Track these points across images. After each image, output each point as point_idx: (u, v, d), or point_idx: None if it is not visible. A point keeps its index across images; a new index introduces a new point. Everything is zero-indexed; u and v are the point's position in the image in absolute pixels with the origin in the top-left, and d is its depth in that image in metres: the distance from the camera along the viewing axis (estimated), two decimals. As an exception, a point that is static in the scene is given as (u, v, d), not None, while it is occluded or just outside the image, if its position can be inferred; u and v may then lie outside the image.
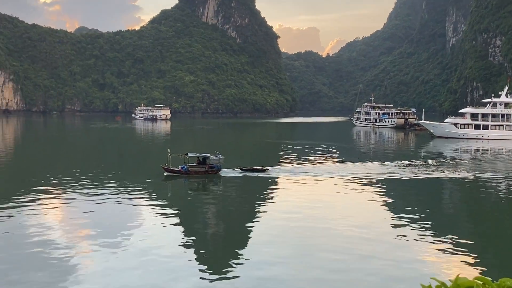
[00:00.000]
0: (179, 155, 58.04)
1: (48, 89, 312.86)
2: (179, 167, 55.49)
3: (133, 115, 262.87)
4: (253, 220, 36.73)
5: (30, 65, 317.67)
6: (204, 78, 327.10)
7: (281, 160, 73.15)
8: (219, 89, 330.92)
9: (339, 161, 73.23)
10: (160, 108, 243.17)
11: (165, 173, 54.65)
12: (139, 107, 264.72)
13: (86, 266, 25.52)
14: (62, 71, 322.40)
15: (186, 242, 30.43)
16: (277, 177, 55.75)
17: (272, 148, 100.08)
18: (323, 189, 50.41)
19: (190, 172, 54.73)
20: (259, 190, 48.76)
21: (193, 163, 56.91)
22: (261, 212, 39.13)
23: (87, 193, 44.88)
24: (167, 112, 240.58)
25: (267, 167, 59.65)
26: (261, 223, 35.68)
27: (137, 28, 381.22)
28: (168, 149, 59.04)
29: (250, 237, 31.99)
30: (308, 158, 75.68)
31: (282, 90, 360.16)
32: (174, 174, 54.41)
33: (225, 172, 56.86)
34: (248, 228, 34.47)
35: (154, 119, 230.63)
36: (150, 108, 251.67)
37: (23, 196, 43.51)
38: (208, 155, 56.45)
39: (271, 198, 45.10)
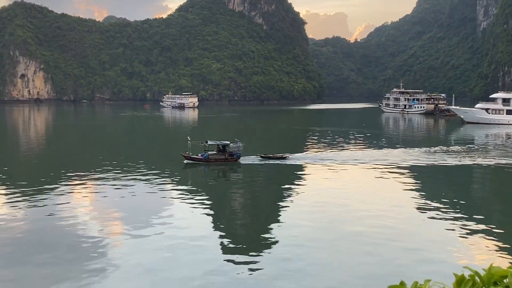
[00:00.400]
0: (199, 143, 58.05)
1: (78, 78, 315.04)
2: (199, 154, 55.57)
3: (161, 103, 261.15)
4: (277, 205, 36.59)
5: (60, 54, 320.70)
6: (231, 66, 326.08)
7: (307, 147, 72.45)
8: (246, 76, 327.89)
9: (367, 148, 72.10)
10: (187, 96, 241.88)
11: (185, 161, 54.87)
12: (166, 95, 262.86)
13: (116, 251, 25.98)
14: (91, 60, 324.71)
15: (212, 227, 30.60)
16: (301, 164, 55.32)
17: (298, 135, 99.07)
18: (350, 176, 49.70)
19: (210, 159, 54.84)
20: (281, 177, 48.28)
21: (213, 150, 56.83)
22: (284, 198, 38.88)
23: (113, 180, 45.66)
24: (194, 100, 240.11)
25: (287, 154, 59.11)
26: (285, 209, 35.48)
27: (164, 16, 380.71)
28: (188, 137, 59.26)
29: (274, 222, 31.93)
30: (335, 145, 74.93)
31: (309, 77, 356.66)
32: (194, 162, 54.67)
33: (245, 160, 56.76)
34: (273, 213, 34.44)
35: (181, 107, 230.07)
36: (177, 96, 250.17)
37: (53, 183, 44.50)
38: (228, 142, 56.28)
39: (295, 185, 44.48)
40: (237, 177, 50.01)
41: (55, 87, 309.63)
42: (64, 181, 45.12)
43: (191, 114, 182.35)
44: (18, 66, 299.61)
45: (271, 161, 56.10)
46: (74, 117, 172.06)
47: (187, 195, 39.61)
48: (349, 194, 40.22)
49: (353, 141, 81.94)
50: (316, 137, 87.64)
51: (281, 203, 37.05)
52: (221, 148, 55.74)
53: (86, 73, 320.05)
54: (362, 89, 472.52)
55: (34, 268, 23.13)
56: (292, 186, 43.54)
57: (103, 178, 46.52)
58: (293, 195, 39.82)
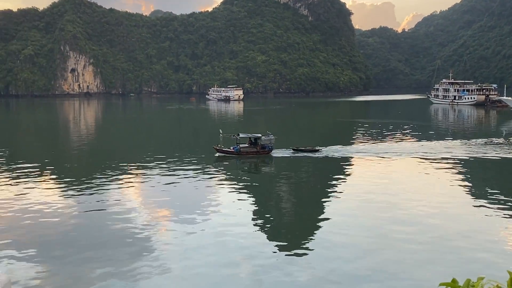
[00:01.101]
0: (230, 136, 57.74)
1: (126, 72, 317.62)
2: (231, 147, 55.16)
3: (206, 96, 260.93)
4: (315, 200, 35.93)
5: (108, 49, 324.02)
6: (276, 58, 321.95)
7: (348, 139, 71.26)
8: (291, 68, 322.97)
9: (414, 141, 70.02)
10: (232, 89, 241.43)
11: (217, 154, 54.56)
12: (212, 88, 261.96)
13: (163, 244, 26.16)
14: (138, 54, 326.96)
15: (254, 222, 30.39)
16: (340, 157, 54.11)
17: (341, 128, 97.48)
18: (395, 169, 48.09)
19: (241, 152, 54.37)
20: (317, 170, 47.51)
21: (245, 143, 56.51)
22: (321, 193, 38.03)
23: (154, 172, 46.10)
24: (239, 93, 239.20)
25: (320, 147, 58.03)
26: (324, 204, 34.67)
27: (210, 9, 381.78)
28: (220, 130, 58.80)
29: (316, 217, 31.33)
30: (381, 138, 73.28)
31: (355, 68, 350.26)
32: (226, 155, 54.26)
33: (278, 153, 56.09)
34: (313, 209, 33.77)
35: (227, 99, 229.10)
36: (223, 89, 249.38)
37: (101, 175, 45.12)
38: (260, 135, 55.67)
39: (334, 179, 43.37)
40: (269, 170, 49.44)
41: (104, 81, 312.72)
42: (110, 173, 45.77)
43: (236, 107, 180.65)
44: (68, 60, 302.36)
45: (304, 154, 55.31)
46: (122, 111, 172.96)
47: (223, 187, 39.75)
48: (394, 189, 38.75)
49: (401, 134, 79.97)
50: (360, 129, 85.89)
51: (318, 198, 36.34)
52: (253, 141, 55.38)
53: (134, 67, 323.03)
54: (410, 80, 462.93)
55: (88, 263, 23.30)
56: (331, 181, 42.46)
57: (145, 170, 46.99)
58: (333, 190, 38.74)
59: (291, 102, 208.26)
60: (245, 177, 45.17)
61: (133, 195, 37.17)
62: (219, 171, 46.77)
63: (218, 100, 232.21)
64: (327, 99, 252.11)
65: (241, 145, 55.23)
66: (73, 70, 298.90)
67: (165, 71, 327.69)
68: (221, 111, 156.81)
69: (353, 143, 65.75)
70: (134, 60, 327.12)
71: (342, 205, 33.63)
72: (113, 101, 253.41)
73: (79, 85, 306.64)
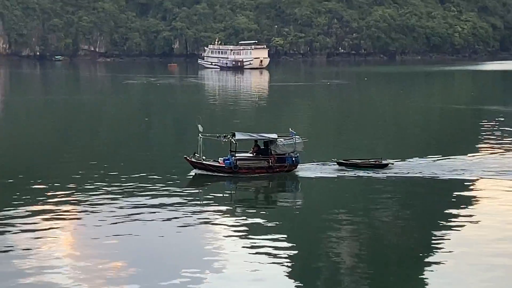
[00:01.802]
0: (219, 137, 39.02)
1: (49, 17, 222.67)
2: (220, 159, 38.15)
3: (199, 60, 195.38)
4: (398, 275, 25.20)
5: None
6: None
7: (467, 144, 55.07)
8: (359, 9, 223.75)
9: None
10: (249, 47, 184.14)
11: (193, 172, 38.00)
12: (210, 46, 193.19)
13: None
14: None
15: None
16: (430, 179, 37.98)
17: (452, 121, 77.52)
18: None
19: (239, 169, 37.78)
20: (386, 209, 33.38)
21: (246, 151, 39.42)
22: (409, 259, 26.80)
23: (85, 207, 33.50)
24: (262, 54, 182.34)
25: (390, 160, 40.73)
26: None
27: None
28: (199, 124, 38.77)
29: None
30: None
31: (484, 10, 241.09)
32: (210, 173, 38.11)
33: (309, 169, 39.68)
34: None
35: (238, 67, 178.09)
36: (231, 47, 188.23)
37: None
38: (274, 136, 38.32)
39: (429, 233, 29.61)
40: (292, 205, 35.11)
41: (8, 34, 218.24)
42: (17, 201, 34.50)
43: (256, 81, 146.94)
44: None
45: (358, 172, 39.66)
46: (40, 87, 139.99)
47: (203, 244, 28.12)
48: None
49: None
50: (487, 125, 67.16)
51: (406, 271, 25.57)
52: (263, 147, 38.85)
53: (63, 7, 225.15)
54: None
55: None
56: (425, 235, 29.60)
57: (74, 204, 34.66)
58: (431, 255, 26.26)
59: (360, 73, 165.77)
60: (244, 226, 30.81)
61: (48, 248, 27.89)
62: (191, 209, 32.81)
63: (222, 67, 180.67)
64: (429, 66, 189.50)
65: (239, 155, 38.53)
66: None
67: (122, 14, 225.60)
68: (227, 91, 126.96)
69: (466, 152, 48.14)
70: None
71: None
72: (23, 69, 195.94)
73: None
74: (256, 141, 38.89)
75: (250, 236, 28.08)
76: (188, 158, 37.60)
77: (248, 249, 26.45)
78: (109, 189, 35.39)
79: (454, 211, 31.10)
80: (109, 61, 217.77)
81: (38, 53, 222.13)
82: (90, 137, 64.38)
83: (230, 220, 30.59)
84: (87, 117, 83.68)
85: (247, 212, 32.83)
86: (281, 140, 37.67)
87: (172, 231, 28.93)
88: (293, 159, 37.99)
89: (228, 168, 37.59)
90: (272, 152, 37.86)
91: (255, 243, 27.15)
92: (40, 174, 40.49)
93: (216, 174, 37.81)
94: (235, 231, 28.84)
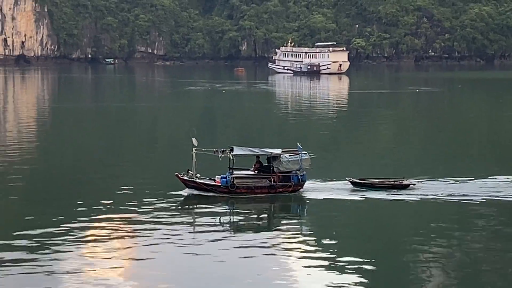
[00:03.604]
0: (216, 152, 37.60)
1: (101, 16, 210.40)
2: (217, 177, 37.08)
3: (269, 64, 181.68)
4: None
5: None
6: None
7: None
8: (453, 7, 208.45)
9: None
10: (326, 50, 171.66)
11: (185, 191, 37.04)
12: (282, 48, 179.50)
13: None
14: None
15: None
16: (463, 203, 35.36)
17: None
18: None
19: (237, 189, 36.72)
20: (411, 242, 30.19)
21: (247, 168, 38.59)
22: None
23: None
24: (341, 58, 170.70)
25: (413, 180, 37.93)
26: None
27: None
28: (193, 138, 37.51)
29: None
30: None
31: None
32: (204, 193, 37.11)
33: (317, 189, 38.43)
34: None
35: (313, 72, 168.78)
36: (305, 50, 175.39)
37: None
38: (278, 151, 37.75)
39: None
40: (300, 234, 31.86)
41: (57, 34, 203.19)
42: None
43: (334, 89, 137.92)
44: None
45: (375, 194, 37.51)
46: (91, 94, 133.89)
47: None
48: None
49: None
50: None
51: None
52: (265, 164, 38.23)
53: (118, 6, 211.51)
54: None
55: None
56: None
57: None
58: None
59: (452, 79, 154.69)
60: (237, 255, 28.92)
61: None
62: (181, 234, 31.04)
63: (295, 72, 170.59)
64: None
65: (237, 173, 37.57)
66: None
67: (184, 12, 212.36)
68: (301, 99, 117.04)
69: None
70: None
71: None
72: (73, 73, 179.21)
73: (4, 40, 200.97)
74: (258, 156, 37.92)
75: (245, 268, 27.37)
76: (180, 175, 36.73)
77: (242, 280, 26.01)
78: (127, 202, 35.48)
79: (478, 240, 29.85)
80: (168, 64, 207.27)
81: (89, 56, 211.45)
82: (142, 150, 60.89)
83: (221, 251, 28.78)
84: (142, 127, 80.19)
85: (241, 240, 31.10)
86: (285, 156, 36.97)
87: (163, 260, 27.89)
88: (300, 177, 36.77)
89: (224, 187, 36.38)
90: (275, 169, 36.93)
91: (251, 275, 26.81)
92: (83, 188, 39.87)
93: (211, 194, 36.77)
94: (225, 261, 27.62)
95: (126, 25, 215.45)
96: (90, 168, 48.81)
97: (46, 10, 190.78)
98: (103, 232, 30.83)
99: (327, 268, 26.06)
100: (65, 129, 76.59)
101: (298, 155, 36.07)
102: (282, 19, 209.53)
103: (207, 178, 36.14)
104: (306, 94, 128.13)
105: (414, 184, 36.42)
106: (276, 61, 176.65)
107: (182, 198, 36.24)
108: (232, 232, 32.16)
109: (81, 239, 29.32)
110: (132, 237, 29.85)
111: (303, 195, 36.84)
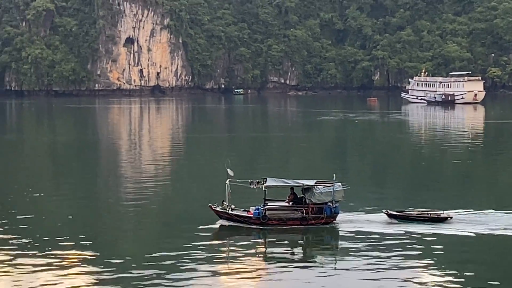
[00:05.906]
0: (251, 183, 36.35)
1: (235, 46, 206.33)
2: (252, 208, 36.06)
3: (402, 93, 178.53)
4: None
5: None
6: None
7: None
8: None
9: None
10: (461, 79, 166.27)
11: (220, 222, 36.02)
12: (416, 78, 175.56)
13: None
14: (260, 10, 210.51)
15: None
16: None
17: None
18: None
19: (269, 221, 35.62)
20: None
21: (281, 200, 37.40)
22: None
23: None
24: (476, 87, 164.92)
25: (451, 213, 36.99)
26: None
27: None
28: (228, 168, 36.51)
29: None
30: None
31: None
32: (237, 224, 35.90)
33: (351, 221, 37.07)
34: None
35: (448, 101, 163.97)
36: (440, 79, 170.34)
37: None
38: (311, 183, 36.08)
39: None
40: (332, 268, 30.60)
41: (191, 65, 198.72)
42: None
43: (469, 118, 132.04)
44: (120, 20, 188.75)
45: (411, 227, 35.84)
46: (224, 123, 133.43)
47: None
48: None
49: None
50: None
51: None
52: (297, 195, 36.96)
53: (250, 37, 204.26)
54: None
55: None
56: None
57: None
58: None
59: None
60: None
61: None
62: (213, 268, 29.45)
63: (429, 102, 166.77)
64: None
65: (270, 204, 36.36)
66: (130, 41, 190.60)
67: (316, 42, 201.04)
68: (435, 129, 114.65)
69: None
70: (250, 20, 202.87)
71: None
72: (206, 104, 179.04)
73: (141, 71, 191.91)
74: (292, 188, 36.54)
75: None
76: (213, 206, 35.54)
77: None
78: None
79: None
80: (301, 94, 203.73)
81: (222, 86, 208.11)
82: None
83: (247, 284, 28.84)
84: (271, 155, 78.09)
85: (268, 273, 30.41)
86: (318, 188, 35.66)
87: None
88: (333, 208, 35.62)
89: (256, 218, 35.42)
90: (308, 201, 35.72)
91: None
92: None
93: (243, 225, 35.69)
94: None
95: (259, 56, 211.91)
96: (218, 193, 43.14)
97: (181, 41, 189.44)
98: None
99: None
100: (199, 158, 74.53)
101: (331, 187, 35.50)
102: (416, 48, 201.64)
103: (241, 210, 35.99)
104: (440, 124, 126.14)
105: (451, 217, 35.68)
106: (410, 90, 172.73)
107: (218, 227, 36.30)
108: (257, 264, 32.20)
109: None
110: (159, 267, 28.85)
111: (337, 225, 36.62)
